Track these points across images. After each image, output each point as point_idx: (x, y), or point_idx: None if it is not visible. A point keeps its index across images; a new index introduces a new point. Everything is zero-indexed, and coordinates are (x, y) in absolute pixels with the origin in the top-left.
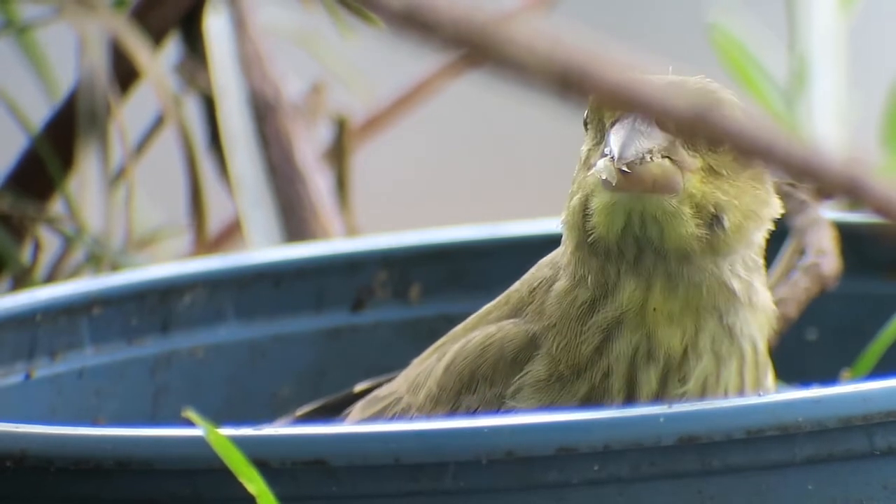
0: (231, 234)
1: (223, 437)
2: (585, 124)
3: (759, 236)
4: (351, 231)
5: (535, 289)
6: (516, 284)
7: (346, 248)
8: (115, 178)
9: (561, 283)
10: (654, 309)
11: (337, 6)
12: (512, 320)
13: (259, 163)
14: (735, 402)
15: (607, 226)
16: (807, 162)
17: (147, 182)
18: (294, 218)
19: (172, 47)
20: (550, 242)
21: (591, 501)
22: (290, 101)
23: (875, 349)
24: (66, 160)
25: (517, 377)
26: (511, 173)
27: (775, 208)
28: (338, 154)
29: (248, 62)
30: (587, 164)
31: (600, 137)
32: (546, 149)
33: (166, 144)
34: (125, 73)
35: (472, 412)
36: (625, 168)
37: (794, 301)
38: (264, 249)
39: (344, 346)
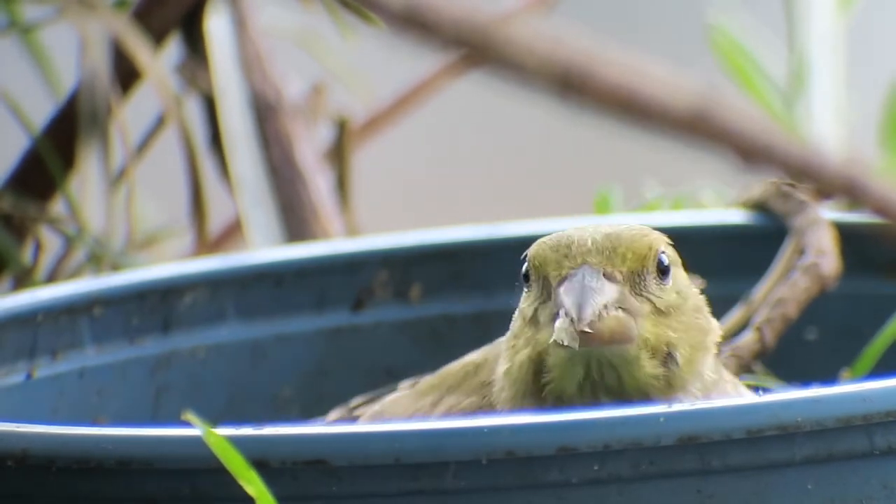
0: (232, 234)
1: (222, 439)
2: (526, 279)
3: (708, 363)
4: (351, 231)
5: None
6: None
7: (347, 248)
8: (117, 178)
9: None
10: None
11: (337, 6)
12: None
13: (260, 163)
14: (735, 401)
15: (567, 379)
16: (806, 162)
17: (148, 182)
18: (295, 218)
19: (173, 48)
20: None
21: (591, 501)
22: (290, 101)
23: (874, 349)
24: (68, 160)
25: None
26: (511, 173)
27: (716, 333)
28: (338, 154)
29: (249, 62)
30: (534, 322)
31: (546, 295)
32: (546, 149)
33: (167, 144)
34: (126, 74)
35: None
36: (586, 328)
37: (794, 301)
38: (265, 249)
39: (344, 346)
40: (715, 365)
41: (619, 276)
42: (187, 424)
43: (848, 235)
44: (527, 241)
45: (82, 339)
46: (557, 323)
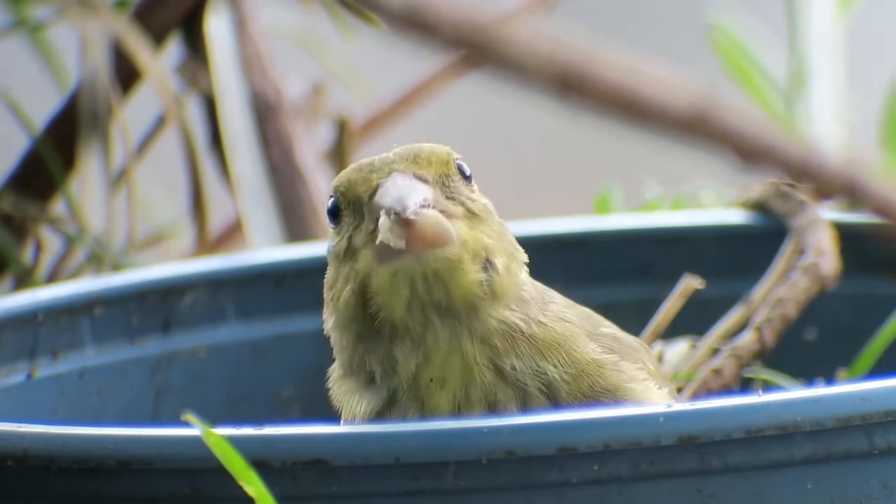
0: (232, 234)
1: (221, 440)
2: (334, 216)
3: (523, 277)
4: None
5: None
6: None
7: None
8: (117, 178)
9: (336, 373)
10: (431, 380)
11: (337, 7)
12: None
13: (260, 163)
14: (734, 401)
15: (393, 300)
16: (806, 162)
17: (148, 182)
18: (295, 218)
19: (174, 48)
20: (550, 242)
21: (590, 501)
22: (290, 101)
23: (873, 349)
24: (68, 160)
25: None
26: (511, 173)
27: (523, 253)
28: (338, 154)
29: (249, 63)
30: (349, 253)
31: (360, 217)
32: (546, 149)
33: (167, 145)
34: (127, 74)
35: None
36: (412, 216)
37: (794, 301)
38: (265, 249)
39: None
40: (537, 288)
41: (429, 179)
42: (187, 424)
43: (848, 235)
44: (526, 241)
45: (83, 339)
46: (382, 223)
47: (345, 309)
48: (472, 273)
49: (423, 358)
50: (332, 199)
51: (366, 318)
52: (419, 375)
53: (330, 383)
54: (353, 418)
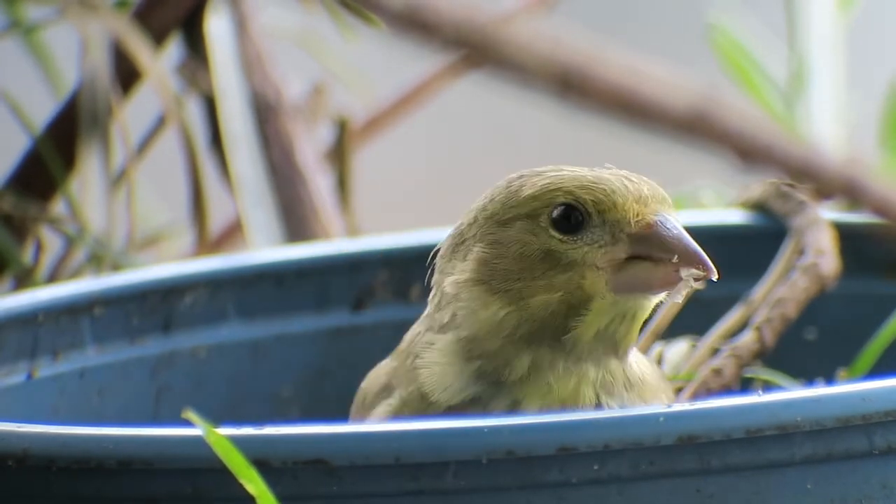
0: (232, 234)
1: (223, 438)
2: (572, 220)
3: None
4: (352, 231)
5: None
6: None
7: (347, 248)
8: (117, 178)
9: (445, 339)
10: (546, 389)
11: (338, 7)
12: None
13: (260, 163)
14: (734, 401)
15: (593, 326)
16: (806, 162)
17: (148, 182)
18: (295, 218)
19: (174, 48)
20: None
21: (590, 500)
22: (291, 101)
23: (873, 349)
24: (68, 160)
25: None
26: (511, 173)
27: None
28: (339, 154)
29: (250, 63)
30: (573, 265)
31: (602, 236)
32: (546, 149)
33: (168, 145)
34: (127, 74)
35: None
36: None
37: (794, 301)
38: (265, 249)
39: (345, 346)
40: None
41: None
42: (188, 424)
43: (848, 235)
44: None
45: (83, 339)
46: (684, 273)
47: (540, 309)
48: (640, 323)
49: (562, 374)
50: (569, 205)
51: (559, 327)
52: (540, 385)
53: (426, 339)
54: (428, 390)
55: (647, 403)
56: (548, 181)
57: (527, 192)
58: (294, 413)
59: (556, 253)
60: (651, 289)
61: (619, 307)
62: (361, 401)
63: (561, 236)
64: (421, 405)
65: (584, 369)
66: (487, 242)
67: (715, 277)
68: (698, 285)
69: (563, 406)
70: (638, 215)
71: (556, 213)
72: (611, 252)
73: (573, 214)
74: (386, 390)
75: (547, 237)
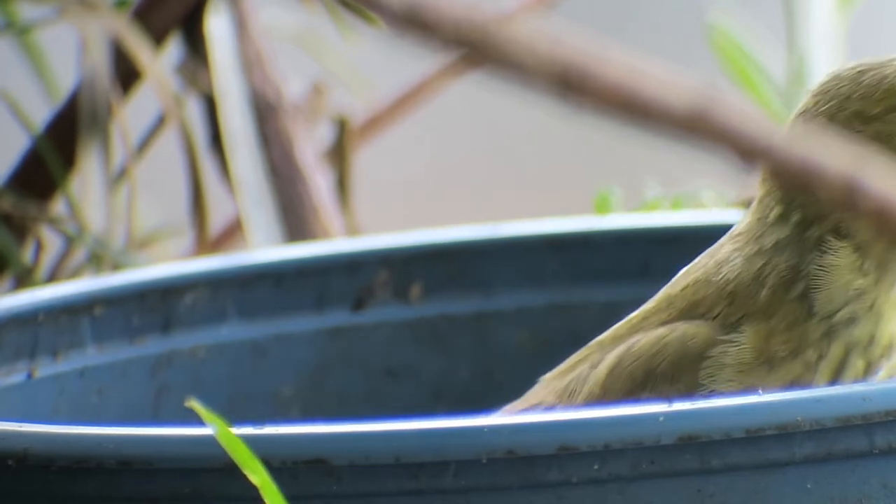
0: (232, 233)
1: (224, 425)
2: None
3: None
4: (352, 231)
5: (728, 288)
6: (670, 289)
7: (347, 247)
8: (117, 178)
9: (775, 278)
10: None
11: (338, 7)
12: (689, 322)
13: (260, 163)
14: (734, 400)
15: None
16: (806, 162)
17: (148, 182)
18: (295, 218)
19: (174, 48)
20: (551, 242)
21: (591, 500)
22: (291, 101)
23: None
24: (68, 160)
25: (706, 367)
26: (511, 173)
27: None
28: (338, 154)
29: (250, 63)
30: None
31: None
32: (546, 149)
33: (167, 145)
34: (127, 74)
35: None
36: None
37: None
38: (265, 249)
39: (345, 346)
40: None
41: None
42: (188, 423)
43: None
44: (527, 242)
45: (83, 339)
46: None
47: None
48: None
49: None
50: None
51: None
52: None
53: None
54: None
55: None
56: None
57: (891, 81)
58: (294, 412)
59: None
60: None
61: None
62: None
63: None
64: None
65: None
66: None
67: None
68: None
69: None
70: None
71: None
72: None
73: None
74: None
75: None
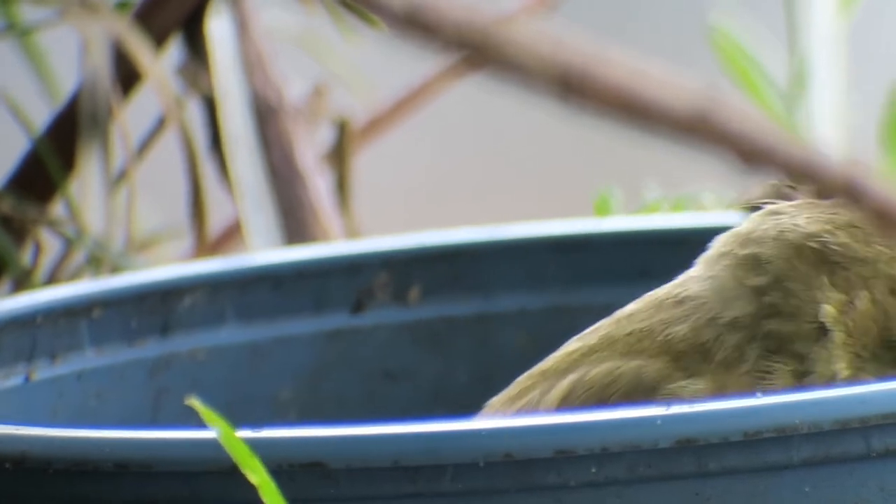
0: (231, 236)
1: (223, 422)
2: None
3: None
4: (351, 233)
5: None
6: (613, 328)
7: (347, 250)
8: (117, 180)
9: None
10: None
11: (339, 8)
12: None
13: (260, 165)
14: (732, 404)
15: None
16: (807, 164)
17: (148, 184)
18: (294, 220)
19: (174, 50)
20: (551, 244)
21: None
22: (291, 103)
23: None
24: (68, 162)
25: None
26: (511, 175)
27: None
28: (339, 156)
29: (250, 64)
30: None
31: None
32: (546, 150)
33: (168, 147)
34: (127, 76)
35: None
36: None
37: None
38: (264, 251)
39: (344, 348)
40: None
41: None
42: (186, 426)
43: None
44: (527, 243)
45: (81, 342)
46: None
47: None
48: None
49: None
50: None
51: None
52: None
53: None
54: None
55: None
56: None
57: None
58: (292, 415)
59: None
60: None
61: None
62: None
63: None
64: None
65: None
66: (877, 295)
67: None
68: None
69: None
70: None
71: None
72: None
73: None
74: None
75: None
